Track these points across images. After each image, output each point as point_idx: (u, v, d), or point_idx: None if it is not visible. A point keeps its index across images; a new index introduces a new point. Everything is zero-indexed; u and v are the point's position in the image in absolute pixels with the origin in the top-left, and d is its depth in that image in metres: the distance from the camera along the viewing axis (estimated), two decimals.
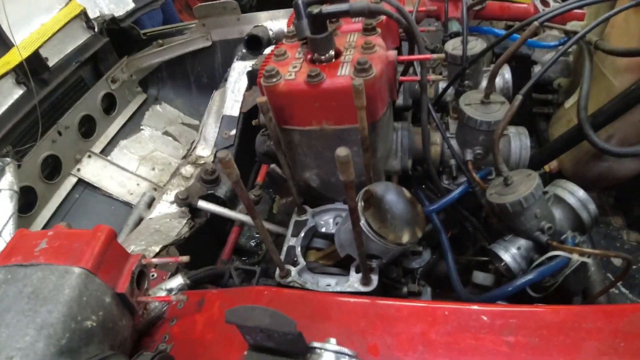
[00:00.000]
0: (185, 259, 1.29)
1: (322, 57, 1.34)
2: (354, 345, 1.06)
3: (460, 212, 1.72)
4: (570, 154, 1.80)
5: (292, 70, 1.33)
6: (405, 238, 1.27)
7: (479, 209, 1.73)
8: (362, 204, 1.27)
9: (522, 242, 1.44)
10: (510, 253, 1.44)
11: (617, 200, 2.18)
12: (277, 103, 1.33)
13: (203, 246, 2.27)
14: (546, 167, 2.03)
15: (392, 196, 1.31)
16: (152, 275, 1.65)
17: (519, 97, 1.35)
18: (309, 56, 1.39)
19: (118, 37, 2.97)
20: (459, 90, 1.58)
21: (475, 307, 1.11)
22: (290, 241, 1.57)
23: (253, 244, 2.63)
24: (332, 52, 1.35)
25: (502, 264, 1.46)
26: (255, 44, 2.40)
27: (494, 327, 1.08)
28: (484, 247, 1.81)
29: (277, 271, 1.46)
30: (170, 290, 1.45)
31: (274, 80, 1.29)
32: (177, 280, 1.48)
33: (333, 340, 0.95)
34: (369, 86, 1.18)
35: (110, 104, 2.92)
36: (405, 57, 1.39)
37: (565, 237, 1.41)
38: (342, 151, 0.87)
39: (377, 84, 1.24)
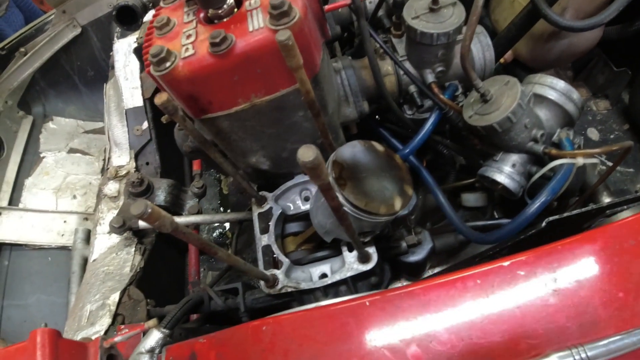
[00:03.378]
0: (151, 323, 1.03)
1: (220, 11, 1.00)
2: None
3: (431, 137, 1.51)
4: (524, 39, 1.60)
5: (187, 42, 0.98)
6: (398, 203, 1.04)
7: (450, 129, 1.53)
8: (335, 182, 1.01)
9: (516, 158, 1.26)
10: (505, 173, 1.26)
11: (576, 71, 2.05)
12: (182, 93, 1.00)
13: (164, 263, 1.98)
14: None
15: (366, 159, 1.06)
16: (124, 333, 1.37)
17: None
18: (201, 15, 1.04)
19: None
20: (396, 2, 1.29)
21: (506, 262, 0.93)
22: (262, 240, 1.32)
23: (217, 235, 2.35)
24: (231, 1, 1.00)
25: (499, 186, 1.29)
26: (128, 16, 1.93)
27: (536, 279, 0.92)
28: (464, 165, 1.64)
29: (262, 282, 1.22)
30: (152, 350, 1.18)
31: (168, 64, 0.94)
32: (155, 336, 1.21)
33: None
34: (296, 34, 0.87)
35: None
36: None
37: (559, 139, 1.24)
38: (306, 154, 0.60)
39: (305, 28, 0.93)
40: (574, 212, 1.17)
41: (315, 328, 0.94)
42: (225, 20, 1.00)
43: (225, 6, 1.00)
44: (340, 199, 1.00)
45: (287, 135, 1.18)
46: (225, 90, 1.00)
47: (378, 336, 0.90)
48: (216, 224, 2.38)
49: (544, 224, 1.15)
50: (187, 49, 0.96)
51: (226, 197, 2.37)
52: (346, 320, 0.93)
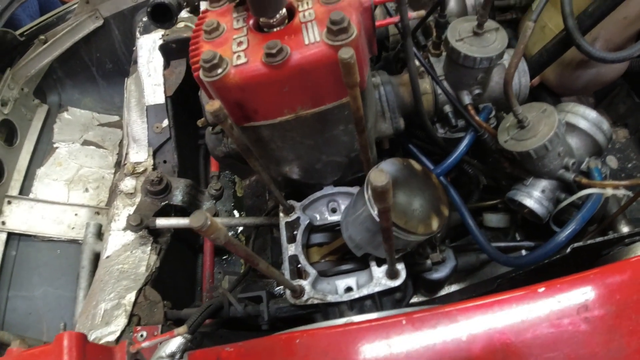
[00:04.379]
0: (182, 330, 1.02)
1: (272, 20, 1.00)
2: None
3: None
4: (553, 65, 1.62)
5: (239, 49, 0.98)
6: (435, 223, 1.05)
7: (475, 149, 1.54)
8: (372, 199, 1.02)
9: (545, 184, 1.27)
10: (534, 198, 1.27)
11: (598, 99, 2.07)
12: (231, 100, 1.00)
13: (179, 264, 1.97)
14: None
15: (404, 178, 1.07)
16: (141, 335, 1.36)
17: (530, 25, 1.09)
18: (251, 22, 1.04)
19: None
20: (439, 22, 1.30)
21: (541, 288, 0.94)
22: (289, 250, 1.31)
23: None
24: (284, 11, 1.00)
25: (526, 210, 1.30)
26: (163, 14, 1.92)
27: (569, 306, 0.93)
28: (486, 185, 1.65)
29: (288, 292, 1.22)
30: (173, 356, 1.17)
31: (220, 71, 0.94)
32: (177, 340, 1.20)
33: None
34: None
35: (9, 133, 2.35)
36: None
37: (588, 167, 1.26)
38: (378, 179, 0.60)
39: (359, 45, 0.93)
40: (598, 239, 1.19)
41: (351, 344, 0.93)
42: (276, 29, 1.00)
43: (278, 16, 1.00)
44: (375, 215, 1.00)
45: (325, 148, 1.18)
46: (273, 100, 1.00)
47: (413, 355, 0.90)
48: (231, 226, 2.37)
49: (568, 250, 1.17)
50: (239, 57, 0.96)
51: (240, 200, 2.36)
52: (381, 336, 0.93)
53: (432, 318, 0.94)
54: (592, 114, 1.33)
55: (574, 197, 1.25)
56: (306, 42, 0.93)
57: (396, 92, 1.28)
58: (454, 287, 1.64)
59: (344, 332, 0.96)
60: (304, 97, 1.00)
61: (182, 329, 1.05)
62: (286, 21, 1.01)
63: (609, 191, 1.23)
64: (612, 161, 1.94)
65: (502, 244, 1.50)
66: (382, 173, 0.61)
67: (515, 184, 1.34)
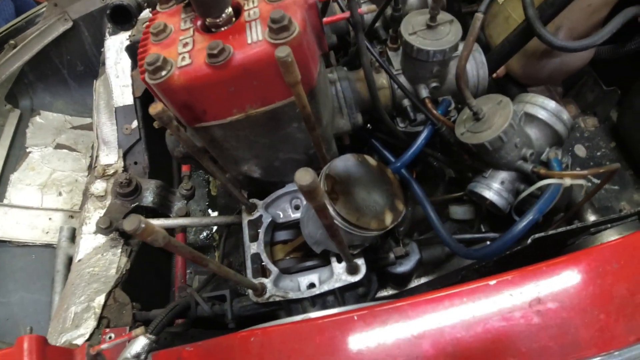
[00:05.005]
0: (139, 331, 1.02)
1: (218, 20, 0.99)
2: None
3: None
4: (517, 56, 1.62)
5: (184, 51, 0.97)
6: (388, 219, 1.06)
7: (441, 142, 1.55)
8: (327, 196, 1.02)
9: (504, 175, 1.28)
10: (493, 190, 1.28)
11: (566, 88, 2.08)
12: (178, 102, 0.99)
13: (150, 265, 1.96)
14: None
15: (359, 173, 1.07)
16: (109, 337, 1.36)
17: (479, 16, 1.09)
18: (198, 23, 1.03)
19: None
20: (394, 16, 1.29)
21: (492, 281, 0.95)
22: (252, 248, 1.32)
23: (204, 237, 2.34)
24: (229, 10, 1.00)
25: (487, 202, 1.31)
26: (122, 16, 1.90)
27: (521, 299, 0.94)
28: (453, 178, 1.66)
29: (250, 290, 1.22)
30: (138, 356, 1.17)
31: (164, 73, 0.93)
32: (141, 341, 1.20)
33: None
34: (295, 48, 0.86)
35: None
36: None
37: (547, 158, 1.27)
38: (303, 178, 0.60)
39: (304, 43, 0.93)
40: (560, 229, 1.19)
41: (304, 341, 0.94)
42: (223, 29, 1.00)
43: (223, 15, 0.99)
44: (332, 213, 1.01)
45: (280, 146, 1.19)
46: (221, 100, 0.99)
47: (365, 351, 0.91)
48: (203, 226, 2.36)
49: (529, 241, 1.18)
50: (183, 58, 0.95)
51: (214, 199, 2.35)
52: (334, 334, 0.94)
53: (383, 314, 0.95)
54: (551, 104, 1.33)
55: (533, 188, 1.26)
56: (249, 41, 0.93)
57: (353, 88, 1.29)
58: (423, 280, 1.66)
59: (297, 329, 0.97)
60: (252, 96, 1.00)
61: (140, 330, 1.05)
62: (233, 20, 1.01)
63: (568, 181, 1.24)
64: (581, 150, 1.96)
65: (468, 236, 1.51)
66: (307, 172, 0.61)
67: (475, 176, 1.35)
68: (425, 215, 1.35)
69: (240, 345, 0.99)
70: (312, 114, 0.96)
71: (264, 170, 1.28)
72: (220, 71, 0.92)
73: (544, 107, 1.32)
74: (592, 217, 1.57)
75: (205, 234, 2.34)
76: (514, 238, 1.19)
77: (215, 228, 2.28)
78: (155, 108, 0.87)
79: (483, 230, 1.57)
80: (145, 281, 1.86)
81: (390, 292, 1.64)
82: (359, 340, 0.92)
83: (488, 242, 1.52)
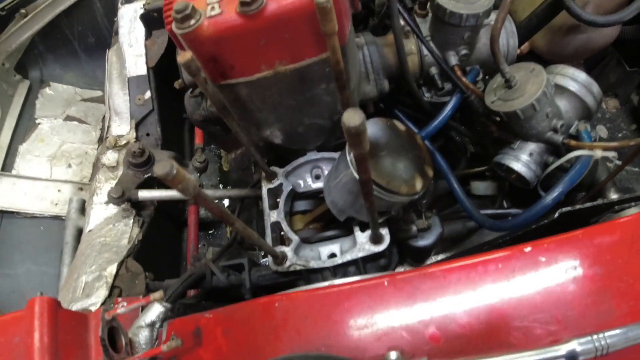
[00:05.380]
0: (157, 295, 0.99)
1: None
2: (413, 340, 0.84)
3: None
4: (542, 31, 1.58)
5: (213, 1, 0.93)
6: (419, 184, 1.02)
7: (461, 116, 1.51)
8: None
9: (533, 147, 1.25)
10: (522, 162, 1.25)
11: (588, 68, 2.03)
12: (205, 54, 0.95)
13: (163, 238, 1.93)
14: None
15: (388, 138, 1.03)
16: (122, 306, 1.33)
17: None
18: None
19: None
20: None
21: (527, 248, 0.92)
22: (272, 216, 1.28)
23: None
24: None
25: (514, 175, 1.28)
26: None
27: (556, 266, 0.91)
28: (474, 153, 1.62)
29: (270, 259, 1.19)
30: (152, 325, 1.14)
31: (192, 22, 0.89)
32: (156, 309, 1.17)
33: (393, 355, 0.72)
34: None
35: None
36: None
37: (577, 130, 1.23)
38: (352, 118, 0.56)
39: None
40: (586, 205, 1.17)
41: (331, 306, 0.91)
42: None
43: None
44: (356, 174, 0.97)
45: (306, 109, 1.15)
46: (250, 54, 0.95)
47: (396, 316, 0.88)
48: (215, 200, 2.32)
49: (556, 214, 1.15)
50: (213, 8, 0.91)
51: (226, 174, 2.32)
52: (363, 299, 0.91)
53: (415, 279, 0.92)
54: (582, 75, 1.29)
55: (563, 160, 1.23)
56: None
57: (380, 53, 1.24)
58: (440, 257, 1.63)
59: (324, 294, 0.94)
60: (282, 51, 0.96)
61: (158, 294, 1.02)
62: None
63: (599, 153, 1.21)
64: (602, 131, 1.92)
65: (490, 211, 1.48)
66: (356, 112, 0.57)
67: (502, 148, 1.31)
68: (450, 188, 1.32)
69: (264, 310, 0.96)
70: (344, 72, 0.93)
71: (286, 135, 1.24)
72: (252, 21, 0.88)
73: (574, 78, 1.29)
74: (614, 196, 1.54)
75: None
76: (544, 209, 1.16)
77: (226, 203, 2.25)
78: (184, 56, 0.83)
79: (505, 206, 1.54)
80: (157, 253, 1.83)
81: (408, 268, 1.61)
82: (389, 306, 0.89)
83: (510, 219, 1.49)
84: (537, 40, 1.73)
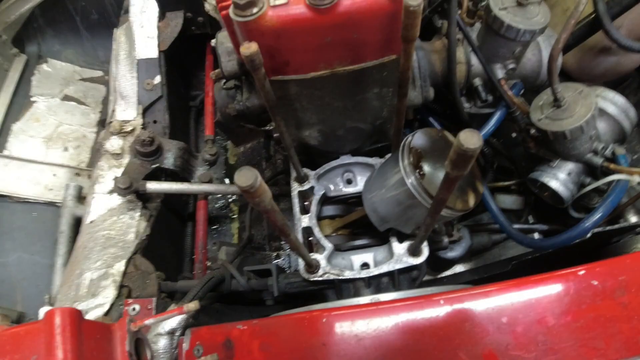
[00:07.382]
0: (192, 306, 0.91)
1: None
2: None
3: None
4: (574, 49, 1.58)
5: None
6: (472, 200, 0.98)
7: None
8: (412, 170, 0.94)
9: (572, 166, 1.24)
10: (560, 180, 1.24)
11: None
12: (262, 47, 0.87)
13: (167, 233, 1.84)
14: None
15: (440, 150, 0.99)
16: (133, 309, 1.25)
17: (583, 0, 1.03)
18: None
19: None
20: None
21: (582, 271, 0.90)
22: (303, 221, 1.22)
23: (220, 207, 2.21)
24: None
25: (547, 192, 1.27)
26: None
27: (606, 290, 0.89)
28: (501, 166, 1.60)
29: (301, 265, 1.13)
30: (172, 332, 1.07)
31: (255, 10, 0.82)
32: (177, 316, 1.09)
33: None
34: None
35: None
36: None
37: (614, 154, 1.23)
38: (470, 141, 0.51)
39: None
40: (615, 226, 1.18)
41: (384, 326, 0.86)
42: None
43: None
44: (419, 190, 0.93)
45: (352, 112, 1.09)
46: (311, 51, 0.89)
47: (452, 337, 0.84)
48: (218, 196, 2.23)
49: (589, 235, 1.16)
50: None
51: (232, 168, 2.23)
52: (417, 319, 0.86)
53: (470, 298, 0.88)
54: (621, 99, 1.31)
55: (601, 182, 1.22)
56: None
57: (428, 59, 1.20)
58: (458, 268, 1.60)
59: (376, 311, 0.88)
60: (345, 51, 0.90)
61: (193, 304, 0.94)
62: None
63: (637, 178, 1.21)
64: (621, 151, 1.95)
65: (517, 226, 1.46)
66: (474, 134, 0.52)
67: (539, 165, 1.29)
68: (484, 202, 1.29)
69: (310, 325, 0.90)
70: (409, 79, 0.87)
71: (324, 138, 1.19)
72: (323, 16, 0.81)
73: (614, 102, 1.31)
74: (634, 218, 1.56)
75: (220, 203, 2.22)
76: (584, 232, 1.15)
77: (231, 198, 2.16)
78: (249, 48, 0.77)
79: (529, 222, 1.53)
80: (161, 249, 1.74)
81: (426, 277, 1.58)
82: (445, 326, 0.85)
83: (536, 234, 1.48)
84: (567, 57, 1.72)
